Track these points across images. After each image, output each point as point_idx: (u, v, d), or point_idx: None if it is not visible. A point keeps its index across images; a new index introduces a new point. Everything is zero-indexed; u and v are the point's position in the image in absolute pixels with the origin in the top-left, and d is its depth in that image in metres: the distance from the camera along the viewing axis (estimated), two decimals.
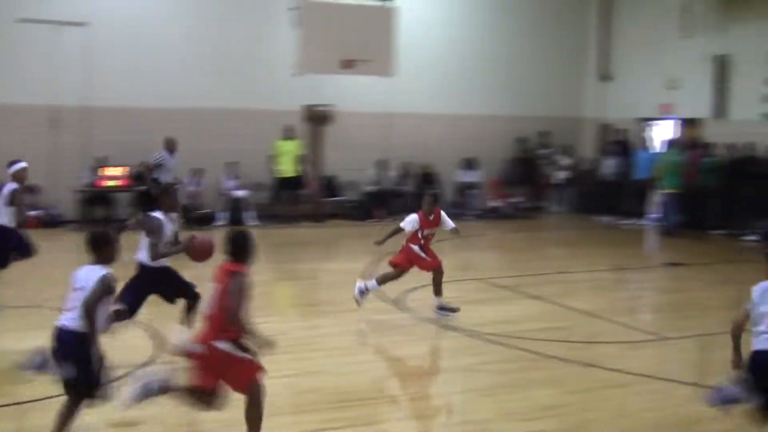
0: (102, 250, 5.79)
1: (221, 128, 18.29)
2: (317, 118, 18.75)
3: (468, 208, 20.13)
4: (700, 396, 6.79)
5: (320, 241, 17.03)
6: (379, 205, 19.17)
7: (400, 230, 10.09)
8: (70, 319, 5.64)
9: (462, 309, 10.23)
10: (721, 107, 19.01)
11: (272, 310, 10.42)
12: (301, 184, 18.85)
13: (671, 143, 19.42)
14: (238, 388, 5.77)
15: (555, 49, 22.12)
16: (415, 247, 10.05)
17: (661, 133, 20.98)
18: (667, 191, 18.11)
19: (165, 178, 15.92)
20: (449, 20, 20.82)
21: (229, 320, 5.60)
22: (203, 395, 5.80)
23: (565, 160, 21.27)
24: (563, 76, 22.35)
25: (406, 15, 17.92)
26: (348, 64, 16.30)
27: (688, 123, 20.12)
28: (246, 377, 5.71)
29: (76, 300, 5.64)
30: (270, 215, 18.40)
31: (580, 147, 22.25)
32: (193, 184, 17.82)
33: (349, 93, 18.88)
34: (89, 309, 5.57)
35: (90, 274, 5.69)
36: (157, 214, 7.94)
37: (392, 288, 11.57)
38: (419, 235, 10.04)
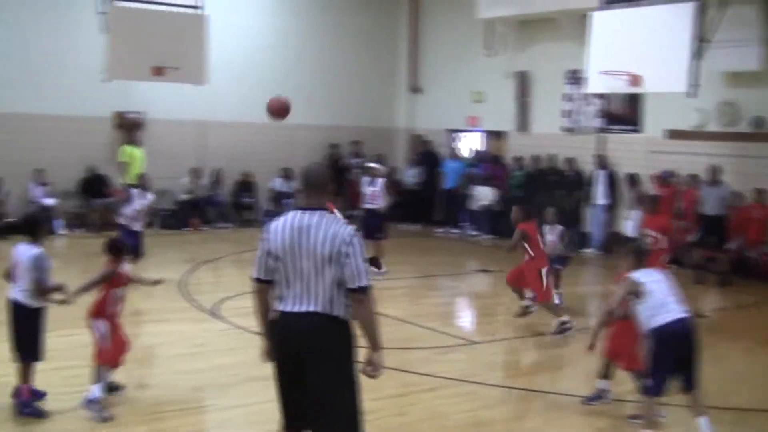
0: None
1: (26, 135, 17.56)
2: (128, 125, 18.33)
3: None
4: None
5: None
6: (194, 213, 19.02)
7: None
8: None
9: None
10: (523, 121, 20.05)
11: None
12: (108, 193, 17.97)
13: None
14: None
15: (368, 62, 22.57)
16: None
17: (470, 144, 21.89)
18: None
19: None
20: (262, 29, 20.78)
21: None
22: None
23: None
24: (376, 88, 22.84)
25: (218, 23, 17.62)
26: (159, 72, 15.97)
27: (494, 136, 21.07)
28: None
29: None
30: (79, 224, 17.86)
31: (392, 157, 22.84)
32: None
33: (162, 100, 18.62)
34: None
35: None
36: None
37: (208, 298, 11.58)
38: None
